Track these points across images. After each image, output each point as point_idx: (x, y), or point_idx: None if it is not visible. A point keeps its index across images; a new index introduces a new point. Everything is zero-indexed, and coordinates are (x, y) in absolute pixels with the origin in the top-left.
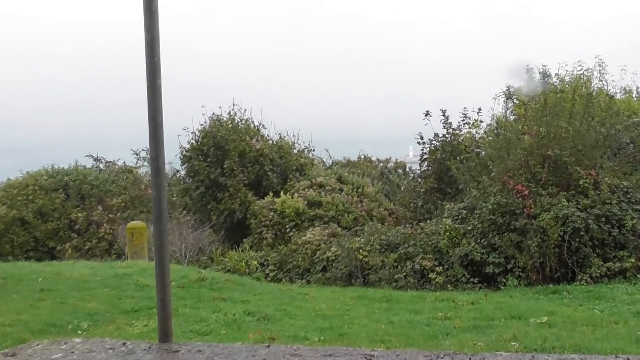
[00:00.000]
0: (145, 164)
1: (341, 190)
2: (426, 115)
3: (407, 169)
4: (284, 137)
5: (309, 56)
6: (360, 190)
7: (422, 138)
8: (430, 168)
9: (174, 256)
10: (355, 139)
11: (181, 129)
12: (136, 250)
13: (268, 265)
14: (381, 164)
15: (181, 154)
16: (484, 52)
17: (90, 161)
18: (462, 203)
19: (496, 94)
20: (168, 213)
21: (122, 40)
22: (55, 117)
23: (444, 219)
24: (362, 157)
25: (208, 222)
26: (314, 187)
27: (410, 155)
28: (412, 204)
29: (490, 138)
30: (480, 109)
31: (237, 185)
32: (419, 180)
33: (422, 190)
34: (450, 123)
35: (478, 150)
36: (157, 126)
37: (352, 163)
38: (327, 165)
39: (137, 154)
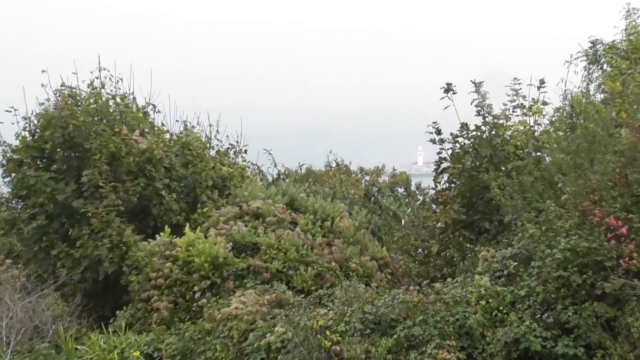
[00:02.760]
0: None
1: (294, 223)
2: (447, 91)
3: (414, 187)
4: (193, 127)
5: None
6: (328, 223)
7: (439, 132)
8: (453, 185)
9: None
10: (324, 132)
11: (3, 111)
12: None
13: None
14: (367, 178)
15: (2, 157)
16: None
17: None
18: (510, 248)
19: (571, 55)
20: None
21: None
22: None
23: (477, 277)
24: (334, 164)
25: (52, 279)
26: (246, 217)
27: (419, 162)
28: (421, 249)
29: (561, 133)
30: (542, 82)
31: (105, 214)
32: (434, 206)
33: (438, 224)
34: (490, 107)
35: (538, 154)
36: None
37: (315, 175)
38: (270, 178)
39: None
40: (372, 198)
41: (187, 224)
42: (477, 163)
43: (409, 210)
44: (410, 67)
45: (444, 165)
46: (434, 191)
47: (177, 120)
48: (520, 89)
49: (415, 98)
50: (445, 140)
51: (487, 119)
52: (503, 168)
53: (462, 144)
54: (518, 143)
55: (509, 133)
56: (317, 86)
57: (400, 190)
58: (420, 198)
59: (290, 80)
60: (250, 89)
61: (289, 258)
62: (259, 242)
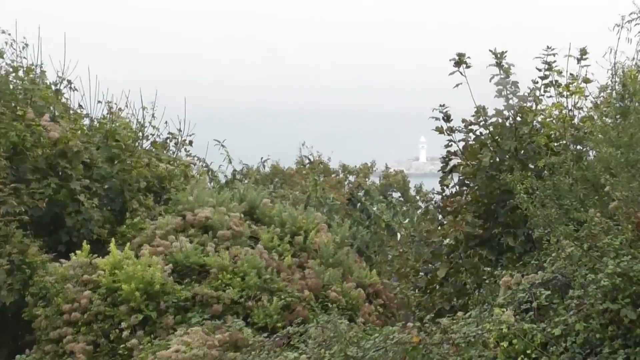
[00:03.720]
0: None
1: (255, 239)
2: (458, 64)
3: (413, 190)
4: (120, 110)
5: None
6: (300, 238)
7: (447, 118)
8: (466, 188)
9: None
10: (304, 116)
11: None
12: None
13: None
14: (352, 179)
15: None
16: None
17: None
18: (540, 272)
19: (622, 17)
20: None
21: None
22: None
23: (498, 310)
24: (307, 160)
25: None
26: (192, 230)
27: (421, 157)
28: (423, 273)
29: (609, 120)
30: (584, 52)
31: (2, 226)
32: (440, 216)
33: (446, 240)
34: (515, 85)
35: (579, 148)
36: None
37: (284, 175)
38: (223, 178)
39: None
40: (359, 205)
41: (113, 238)
42: (498, 159)
43: (407, 222)
44: (416, 35)
45: (454, 162)
46: (440, 196)
47: (99, 101)
48: (555, 61)
49: (422, 72)
50: (456, 130)
51: (511, 102)
52: (532, 166)
53: (479, 134)
54: (552, 133)
55: (539, 120)
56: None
57: (396, 194)
58: (422, 205)
59: (263, 49)
60: (210, 59)
61: (247, 285)
62: (208, 263)
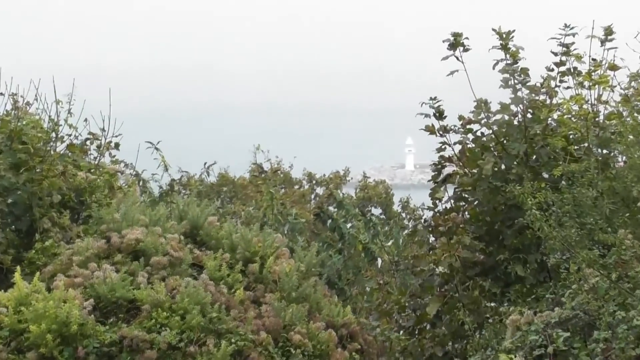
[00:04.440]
0: None
1: (198, 266)
2: (453, 46)
3: (398, 205)
4: (28, 104)
5: None
6: (256, 267)
7: (440, 115)
8: (463, 203)
9: None
10: (263, 110)
11: None
12: None
13: None
14: (319, 191)
15: None
16: None
17: None
18: (558, 309)
19: None
20: None
21: None
22: None
23: (504, 357)
24: (262, 169)
25: None
26: (118, 256)
27: (408, 164)
28: (410, 310)
29: None
30: (610, 32)
31: None
32: (432, 238)
33: (439, 268)
34: (525, 73)
35: (605, 152)
36: None
37: (234, 186)
38: (158, 190)
39: None
40: (329, 222)
41: (18, 267)
42: (504, 166)
43: (390, 244)
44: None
45: (448, 170)
46: (431, 213)
47: (1, 94)
48: (573, 43)
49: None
50: (451, 129)
51: (519, 94)
52: (546, 175)
53: (479, 134)
54: (571, 133)
55: (555, 117)
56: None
57: (376, 211)
58: (409, 224)
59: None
60: (145, 38)
61: (189, 325)
62: (139, 298)
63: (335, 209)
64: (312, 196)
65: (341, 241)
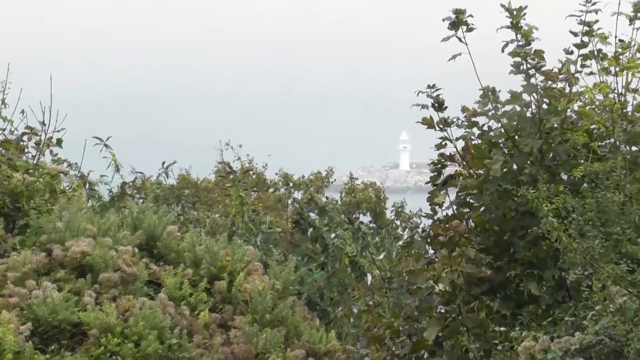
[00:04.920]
0: None
1: (155, 284)
2: (455, 25)
3: (391, 211)
4: None
5: None
6: (223, 284)
7: (439, 106)
8: (467, 209)
9: None
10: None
11: None
12: None
13: None
14: (297, 194)
15: None
16: None
17: None
18: (578, 334)
19: None
20: None
21: None
22: None
23: None
24: (230, 167)
25: None
26: (61, 272)
27: (403, 164)
28: (405, 335)
29: None
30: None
31: None
32: (430, 250)
33: (439, 286)
34: (540, 54)
35: (634, 150)
36: None
37: (196, 188)
38: (108, 194)
39: None
40: (310, 231)
41: None
42: (515, 166)
43: (381, 258)
44: None
45: (450, 170)
46: (430, 221)
47: None
48: (597, 21)
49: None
50: (453, 122)
51: (533, 80)
52: (565, 176)
53: (486, 129)
54: (594, 128)
55: (576, 108)
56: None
57: (365, 218)
58: (404, 234)
59: None
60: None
61: (144, 353)
62: (86, 321)
63: (317, 216)
64: (290, 201)
65: (324, 254)
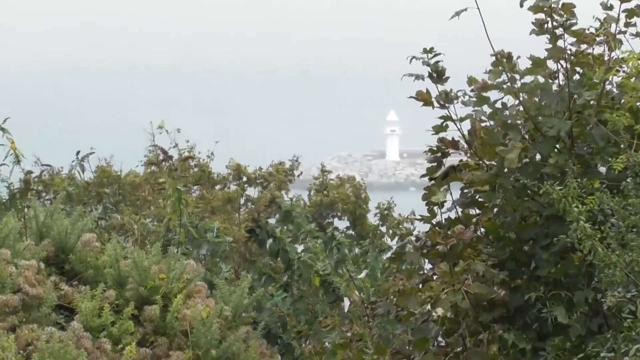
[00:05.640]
0: None
1: (67, 309)
2: None
3: (375, 214)
4: None
5: None
6: (155, 309)
7: (439, 75)
8: (475, 211)
9: None
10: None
11: None
12: None
13: None
14: (253, 191)
15: None
16: None
17: None
18: None
19: None
20: None
21: None
22: None
23: None
24: (165, 153)
25: None
26: None
27: (391, 152)
28: None
29: None
30: None
31: None
32: (427, 265)
33: (438, 311)
34: (570, 9)
35: None
36: None
37: (118, 184)
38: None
39: None
40: (269, 242)
41: None
42: (538, 154)
43: (362, 276)
44: None
45: (453, 160)
46: (427, 226)
47: None
48: None
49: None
50: (458, 98)
51: (561, 43)
52: (602, 168)
53: (499, 106)
54: None
55: (616, 80)
56: None
57: (342, 223)
58: (393, 244)
59: None
60: None
61: None
62: None
63: (279, 222)
64: (243, 201)
65: (288, 272)
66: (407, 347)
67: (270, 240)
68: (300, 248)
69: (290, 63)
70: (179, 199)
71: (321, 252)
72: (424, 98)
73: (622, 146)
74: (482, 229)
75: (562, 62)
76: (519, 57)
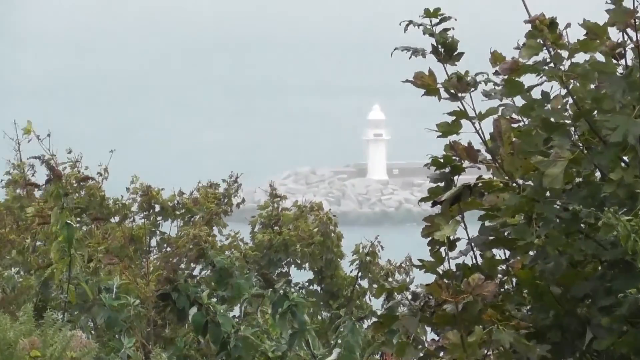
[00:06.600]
0: None
1: None
2: None
3: (352, 263)
4: None
5: None
6: None
7: (448, 51)
8: (503, 255)
9: None
10: None
11: None
12: None
13: None
14: (170, 227)
15: None
16: None
17: None
18: None
19: None
20: None
21: None
22: None
23: None
24: (48, 166)
25: None
26: None
27: (375, 170)
28: None
29: None
30: None
31: None
32: (425, 330)
33: None
34: None
35: None
36: None
37: None
38: None
39: None
40: (193, 313)
41: None
42: (597, 167)
43: (333, 358)
44: None
45: (466, 179)
46: (431, 278)
47: None
48: None
49: None
50: (477, 84)
51: (624, 8)
52: None
53: (536, 98)
54: None
55: None
56: None
57: (303, 275)
58: (378, 303)
59: None
60: None
61: None
62: None
63: (213, 275)
64: (154, 242)
65: (222, 353)
66: None
67: (194, 309)
68: (235, 317)
69: (232, 33)
70: (69, 240)
71: (271, 324)
72: (425, 83)
73: None
74: (513, 281)
75: (631, 31)
76: (568, 25)
